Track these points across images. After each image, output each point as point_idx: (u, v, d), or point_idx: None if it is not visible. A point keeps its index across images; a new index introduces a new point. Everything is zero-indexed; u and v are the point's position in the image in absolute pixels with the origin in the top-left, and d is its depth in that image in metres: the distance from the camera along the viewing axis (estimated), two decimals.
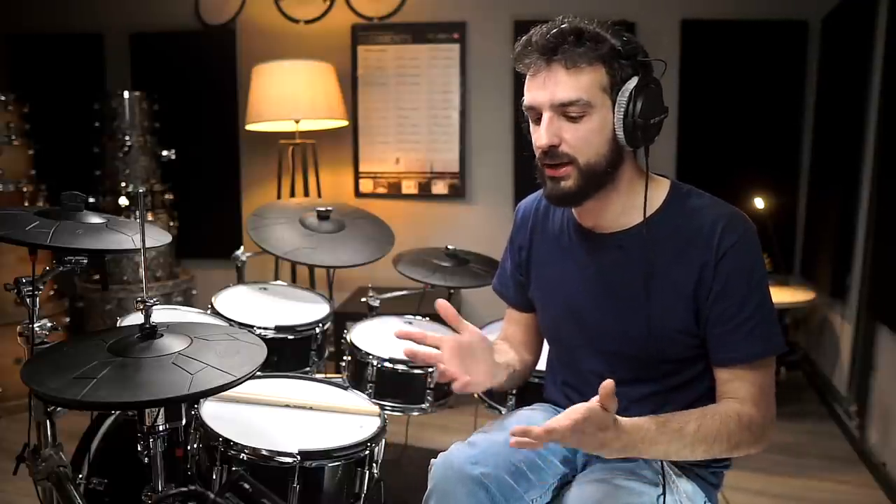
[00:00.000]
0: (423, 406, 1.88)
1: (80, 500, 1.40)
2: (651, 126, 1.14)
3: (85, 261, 1.40)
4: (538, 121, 1.17)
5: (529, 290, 1.42)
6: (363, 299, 2.23)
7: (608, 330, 1.26)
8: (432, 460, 1.24)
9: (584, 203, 1.20)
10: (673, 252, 1.19)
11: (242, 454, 1.30)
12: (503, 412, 1.81)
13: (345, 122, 3.59)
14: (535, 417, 1.39)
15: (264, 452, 1.30)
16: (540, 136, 1.15)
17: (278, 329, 1.88)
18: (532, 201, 1.43)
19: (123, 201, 3.48)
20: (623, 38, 1.14)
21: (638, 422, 1.07)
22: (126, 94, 3.49)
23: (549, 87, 1.13)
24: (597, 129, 1.14)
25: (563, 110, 1.13)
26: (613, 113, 1.14)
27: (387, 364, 1.86)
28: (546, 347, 1.48)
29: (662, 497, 1.17)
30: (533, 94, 1.17)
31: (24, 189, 3.22)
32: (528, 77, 1.18)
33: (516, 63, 1.19)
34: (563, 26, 1.13)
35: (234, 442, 1.31)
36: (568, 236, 1.32)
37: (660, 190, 1.23)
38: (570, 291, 1.30)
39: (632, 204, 1.22)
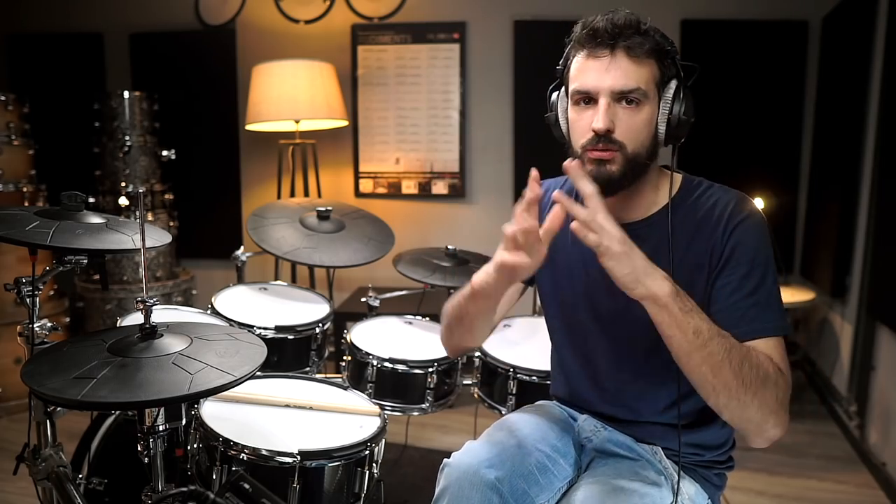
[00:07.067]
0: (423, 406, 1.88)
1: (80, 500, 1.40)
2: (688, 125, 1.18)
3: (85, 261, 1.39)
4: (586, 104, 1.17)
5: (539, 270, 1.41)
6: (363, 299, 2.23)
7: (624, 316, 1.24)
8: (445, 459, 1.23)
9: (619, 192, 1.20)
10: (688, 236, 1.20)
11: (242, 454, 1.30)
12: (503, 412, 1.81)
13: (345, 122, 3.59)
14: (546, 413, 1.38)
15: (264, 452, 1.30)
16: (598, 119, 1.14)
17: (278, 329, 1.88)
18: (554, 184, 1.42)
19: (123, 201, 3.48)
20: (667, 39, 1.17)
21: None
22: (126, 94, 3.49)
23: (612, 72, 1.13)
24: (646, 120, 1.16)
25: (622, 97, 1.14)
26: (658, 108, 1.17)
27: (387, 364, 1.86)
28: (548, 346, 1.48)
29: (674, 501, 1.17)
30: (592, 77, 1.15)
31: (24, 189, 3.22)
32: (583, 60, 1.17)
33: (574, 47, 1.19)
34: (621, 16, 1.14)
35: (234, 442, 1.30)
36: None
37: (675, 183, 1.26)
38: (586, 278, 1.30)
39: (652, 197, 1.24)
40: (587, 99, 1.17)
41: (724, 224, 1.17)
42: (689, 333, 1.03)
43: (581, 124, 1.19)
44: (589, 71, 1.16)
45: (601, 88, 1.14)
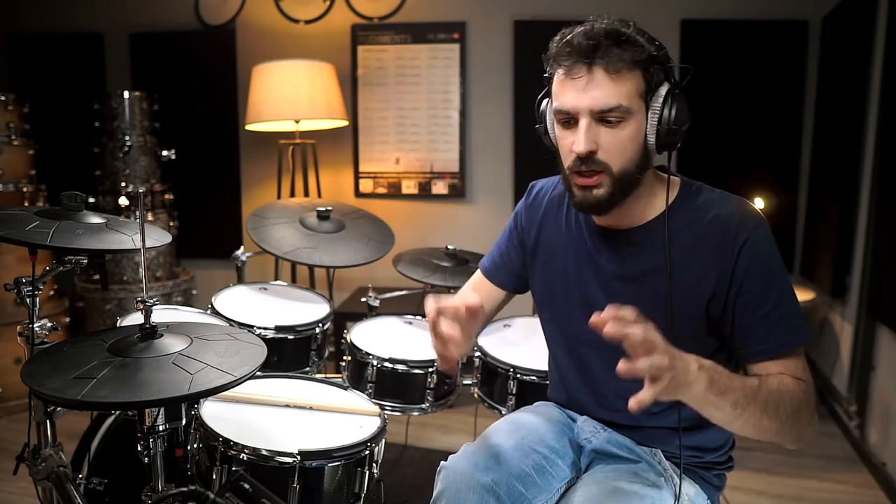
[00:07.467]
0: (423, 406, 1.88)
1: (80, 500, 1.40)
2: (680, 132, 1.14)
3: (85, 261, 1.40)
4: (569, 124, 1.14)
5: (530, 275, 1.41)
6: (363, 299, 2.23)
7: None
8: (442, 462, 1.24)
9: (613, 210, 1.18)
10: (688, 244, 1.18)
11: (242, 454, 1.30)
12: (503, 412, 1.81)
13: (345, 122, 3.59)
14: (543, 415, 1.38)
15: (264, 452, 1.30)
16: (578, 143, 1.11)
17: (278, 329, 1.88)
18: (549, 185, 1.41)
19: (123, 201, 3.48)
20: (655, 42, 1.12)
21: (707, 361, 0.99)
22: (126, 94, 3.49)
23: (590, 92, 1.09)
24: (632, 135, 1.12)
25: (603, 116, 1.11)
26: (647, 119, 1.13)
27: (387, 364, 1.86)
28: (546, 348, 1.48)
29: (675, 501, 1.17)
30: (571, 97, 1.12)
31: (24, 189, 3.22)
32: (562, 78, 1.13)
33: (551, 64, 1.16)
34: (599, 28, 1.10)
35: (234, 442, 1.30)
36: (581, 232, 1.31)
37: (673, 188, 1.23)
38: (583, 286, 1.29)
39: (649, 202, 1.22)
40: (568, 119, 1.14)
41: (732, 239, 1.14)
42: (728, 409, 1.01)
43: (565, 144, 1.16)
44: (567, 91, 1.12)
45: (580, 109, 1.11)
